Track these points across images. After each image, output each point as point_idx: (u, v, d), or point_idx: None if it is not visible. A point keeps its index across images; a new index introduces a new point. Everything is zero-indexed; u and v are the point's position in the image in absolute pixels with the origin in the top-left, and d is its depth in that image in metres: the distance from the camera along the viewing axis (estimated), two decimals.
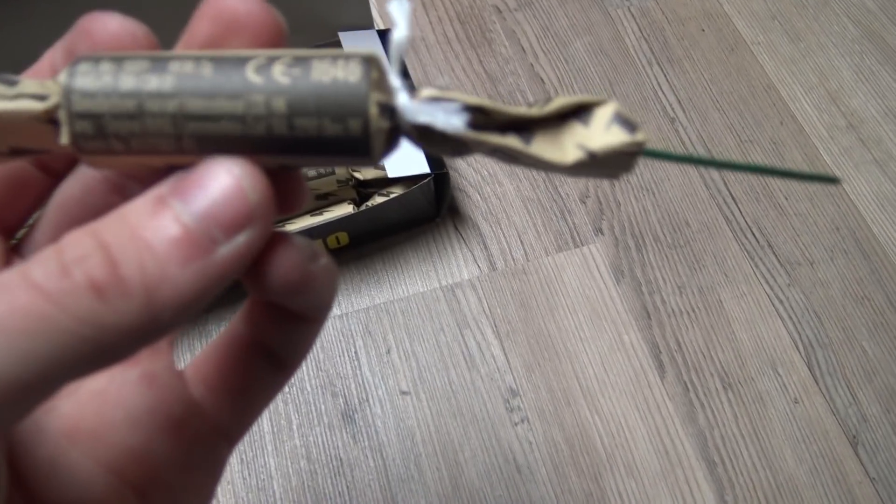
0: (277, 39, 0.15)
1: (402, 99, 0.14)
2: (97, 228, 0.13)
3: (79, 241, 0.13)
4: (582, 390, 0.50)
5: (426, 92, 0.14)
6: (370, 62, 0.14)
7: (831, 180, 0.15)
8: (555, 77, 0.64)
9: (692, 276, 0.54)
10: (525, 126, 0.14)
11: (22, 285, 0.12)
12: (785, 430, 0.49)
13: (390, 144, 0.14)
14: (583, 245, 0.56)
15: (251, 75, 0.13)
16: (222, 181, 0.13)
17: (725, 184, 0.58)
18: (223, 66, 0.14)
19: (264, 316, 0.17)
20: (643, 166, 0.59)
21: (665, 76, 0.64)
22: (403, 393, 0.50)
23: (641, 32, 0.66)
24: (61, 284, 0.12)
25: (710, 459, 0.48)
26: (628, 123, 0.14)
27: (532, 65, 0.65)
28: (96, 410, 0.16)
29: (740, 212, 0.57)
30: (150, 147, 0.14)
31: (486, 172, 0.59)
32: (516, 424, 0.49)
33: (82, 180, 0.16)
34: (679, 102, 0.62)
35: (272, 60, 0.14)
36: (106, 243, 0.12)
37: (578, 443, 0.48)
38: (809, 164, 0.59)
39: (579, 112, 0.14)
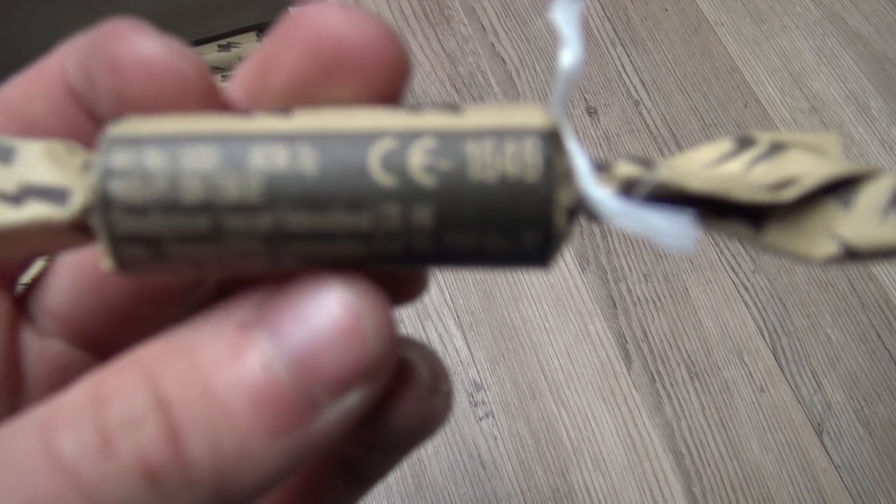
0: (400, 76, 0.10)
1: (598, 194, 0.10)
2: (155, 372, 0.09)
3: (129, 392, 0.09)
4: (548, 383, 0.49)
5: (623, 169, 0.10)
6: (551, 141, 0.09)
7: None
8: (516, 57, 0.62)
9: (658, 263, 0.53)
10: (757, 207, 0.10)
11: (44, 464, 0.08)
12: (751, 419, 0.48)
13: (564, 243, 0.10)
14: None
15: (378, 174, 0.09)
16: (332, 315, 0.09)
17: None
18: (333, 156, 0.09)
19: (356, 443, 0.14)
20: (608, 149, 0.58)
21: (629, 57, 0.62)
22: None
23: (605, 11, 0.65)
24: (102, 468, 0.08)
25: (677, 451, 0.47)
26: None
27: (493, 44, 0.62)
28: None
29: None
30: (231, 269, 0.10)
31: None
32: (481, 419, 0.47)
33: None
34: (643, 84, 0.61)
35: (408, 142, 0.09)
36: (166, 400, 0.09)
37: (544, 437, 0.47)
38: None
39: (837, 187, 0.10)
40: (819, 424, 0.48)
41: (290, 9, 0.54)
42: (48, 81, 0.11)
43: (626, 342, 0.50)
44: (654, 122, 0.59)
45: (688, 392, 0.49)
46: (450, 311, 0.50)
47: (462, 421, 0.47)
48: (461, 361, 0.49)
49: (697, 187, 0.09)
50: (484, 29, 0.63)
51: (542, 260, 0.10)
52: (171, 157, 0.09)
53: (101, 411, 0.09)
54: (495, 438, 0.47)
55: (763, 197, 0.09)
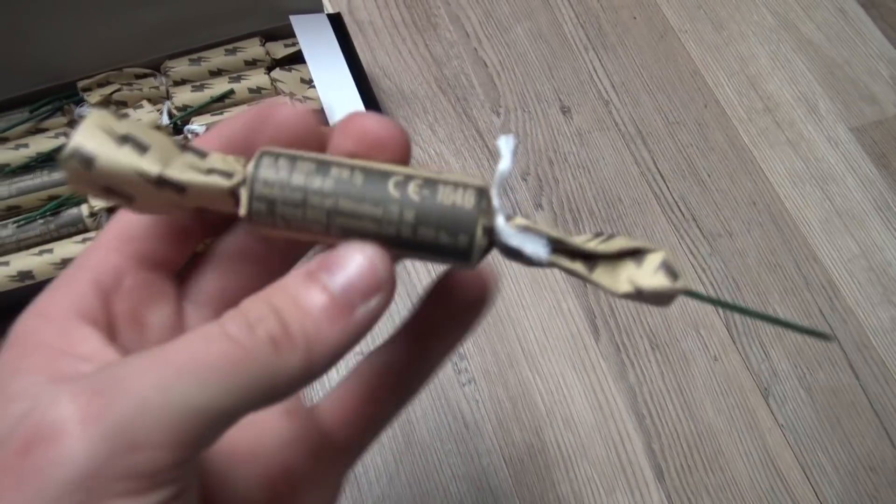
0: (406, 152, 0.19)
1: (501, 224, 0.18)
2: (268, 297, 0.17)
3: (257, 307, 0.16)
4: (524, 353, 0.54)
5: (519, 221, 0.18)
6: (482, 194, 0.18)
7: (824, 336, 0.20)
8: (497, 61, 0.67)
9: None
10: (591, 256, 0.18)
11: (222, 337, 0.16)
12: (705, 384, 0.54)
13: (485, 254, 0.18)
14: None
15: (391, 190, 0.17)
16: (359, 260, 0.17)
17: (654, 162, 0.63)
18: (371, 178, 0.18)
19: (411, 343, 0.22)
20: (580, 146, 0.63)
21: (600, 61, 0.68)
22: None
23: (578, 19, 0.70)
24: (250, 338, 0.16)
25: (639, 412, 0.52)
26: (672, 272, 0.17)
27: (476, 49, 0.68)
28: (253, 436, 0.19)
29: (668, 188, 0.62)
30: (305, 228, 0.18)
31: (432, 151, 0.62)
32: (464, 385, 0.53)
33: (241, 238, 0.20)
34: (613, 86, 0.67)
35: (408, 179, 0.18)
36: (277, 308, 0.16)
37: (521, 400, 0.52)
38: (730, 144, 0.64)
39: (635, 253, 0.18)
40: (766, 389, 0.54)
41: (291, 16, 0.59)
42: (220, 146, 0.20)
43: (595, 317, 0.56)
44: (622, 120, 0.65)
45: (649, 361, 0.54)
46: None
47: (447, 386, 0.52)
48: None
49: (553, 234, 0.18)
50: (468, 35, 0.69)
51: (468, 257, 0.18)
52: (291, 163, 0.18)
53: (246, 315, 0.16)
54: (477, 402, 0.52)
55: (589, 247, 0.18)
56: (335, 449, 0.21)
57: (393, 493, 0.49)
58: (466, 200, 0.17)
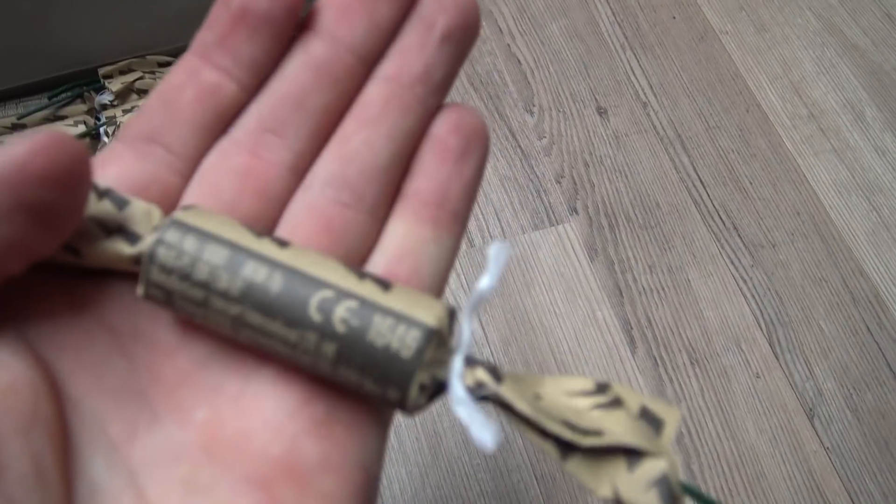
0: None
1: (453, 384, 0.13)
2: None
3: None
4: (557, 364, 0.51)
5: (480, 376, 0.14)
6: (431, 338, 0.13)
7: None
8: (531, 58, 0.65)
9: (662, 255, 0.56)
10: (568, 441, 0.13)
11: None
12: (747, 402, 0.51)
13: (431, 400, 0.14)
14: (558, 224, 0.57)
15: (312, 311, 0.13)
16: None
17: (694, 168, 0.60)
18: (291, 288, 0.14)
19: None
20: (617, 149, 0.61)
21: (638, 61, 0.65)
22: None
23: (615, 17, 0.68)
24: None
25: (677, 430, 0.50)
26: (669, 495, 0.13)
27: (509, 45, 0.65)
28: (234, 416, 0.14)
29: (708, 195, 0.59)
30: (210, 327, 0.14)
31: None
32: None
33: None
34: (651, 88, 0.64)
35: (340, 298, 0.14)
36: None
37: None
38: (773, 150, 0.62)
39: (632, 450, 0.13)
40: (810, 409, 0.51)
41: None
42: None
43: (632, 328, 0.53)
44: (661, 123, 0.62)
45: (688, 377, 0.52)
46: (466, 296, 0.53)
47: None
48: (476, 342, 0.52)
49: (522, 410, 0.13)
50: (501, 31, 0.66)
51: (403, 409, 0.14)
52: (199, 247, 0.14)
53: None
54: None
55: (568, 436, 0.13)
56: (354, 417, 0.15)
57: None
58: (406, 344, 0.13)
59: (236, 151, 0.16)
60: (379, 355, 0.13)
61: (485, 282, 0.14)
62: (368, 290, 0.14)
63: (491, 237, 0.56)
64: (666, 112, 0.63)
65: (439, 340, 0.14)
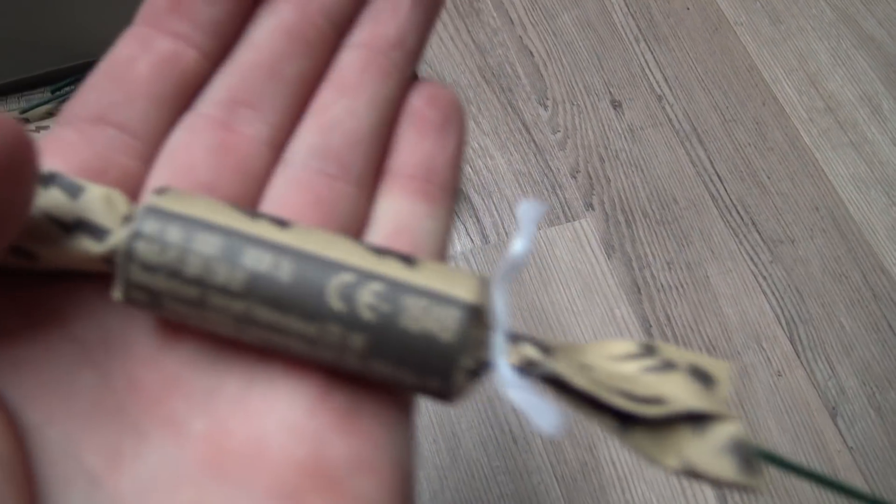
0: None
1: (501, 369, 0.12)
2: None
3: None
4: None
5: (529, 353, 0.12)
6: (472, 315, 0.12)
7: None
8: (543, 50, 0.64)
9: (680, 251, 0.55)
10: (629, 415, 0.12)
11: None
12: (769, 401, 0.50)
13: (471, 389, 0.13)
14: (574, 220, 0.56)
15: (333, 299, 0.12)
16: None
17: (711, 162, 0.59)
18: (304, 275, 0.12)
19: None
20: (632, 143, 0.60)
21: (652, 53, 0.64)
22: None
23: (628, 8, 0.67)
24: None
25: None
26: (746, 458, 0.12)
27: (521, 37, 0.64)
28: (241, 422, 0.12)
29: (725, 190, 0.58)
30: (207, 328, 0.12)
31: (475, 145, 0.59)
32: None
33: None
34: (666, 80, 0.63)
35: (364, 281, 0.12)
36: None
37: (573, 415, 0.49)
38: (790, 144, 0.61)
39: (696, 417, 0.12)
40: (833, 408, 0.50)
41: None
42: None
43: (651, 326, 0.52)
44: (676, 116, 0.61)
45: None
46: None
47: (493, 397, 0.49)
48: None
49: (580, 385, 0.12)
50: (512, 22, 0.65)
51: (445, 399, 0.12)
52: (186, 237, 0.12)
53: None
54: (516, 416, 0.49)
55: (631, 408, 0.12)
56: (384, 402, 0.13)
57: None
58: (444, 326, 0.11)
59: (208, 126, 0.14)
60: (416, 342, 0.12)
61: (518, 245, 0.12)
62: (393, 269, 0.12)
63: (507, 233, 0.55)
64: (681, 105, 0.62)
65: (479, 318, 0.12)
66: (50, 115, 0.53)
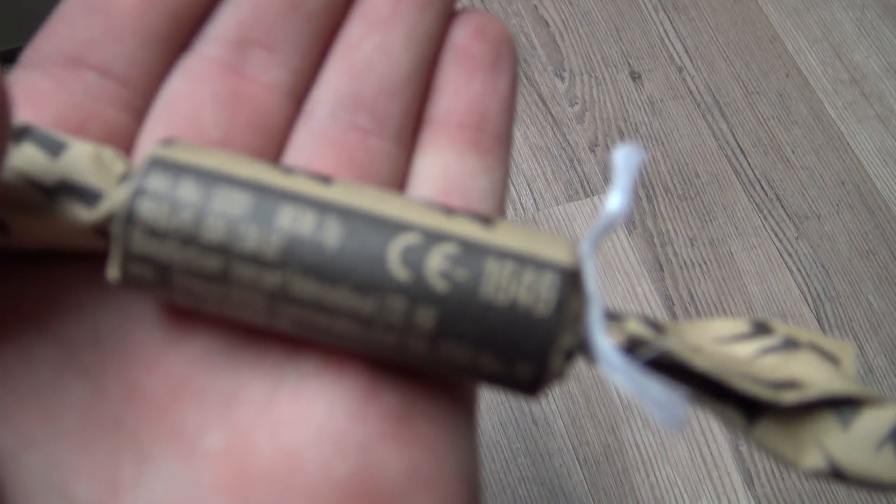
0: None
1: (602, 347, 0.10)
2: None
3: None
4: None
5: (634, 327, 0.10)
6: (571, 281, 0.09)
7: None
8: (560, 20, 0.61)
9: (703, 227, 0.54)
10: (755, 402, 0.10)
11: None
12: None
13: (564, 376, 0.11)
14: (593, 195, 0.54)
15: (395, 266, 0.09)
16: None
17: (734, 135, 0.58)
18: (357, 236, 0.09)
19: None
20: (652, 115, 0.58)
21: (671, 23, 0.62)
22: None
23: None
24: None
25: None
26: None
27: (536, 6, 0.62)
28: (269, 433, 0.10)
29: (749, 164, 0.57)
30: (228, 313, 0.10)
31: None
32: None
33: None
34: (686, 51, 0.61)
35: (432, 242, 0.09)
36: None
37: (595, 395, 0.47)
38: (815, 117, 0.59)
39: (839, 402, 0.10)
40: None
41: None
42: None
43: (674, 304, 0.51)
44: (697, 88, 0.59)
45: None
46: None
47: None
48: None
49: (701, 366, 0.09)
50: None
51: (531, 392, 0.10)
52: (204, 193, 0.09)
53: None
54: (546, 396, 0.47)
55: (763, 394, 0.09)
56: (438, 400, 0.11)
57: None
58: (540, 297, 0.09)
59: (215, 72, 0.11)
60: (502, 317, 0.09)
61: (614, 200, 0.10)
62: (467, 228, 0.10)
63: (524, 209, 0.53)
64: (702, 76, 0.60)
65: (577, 286, 0.10)
66: None
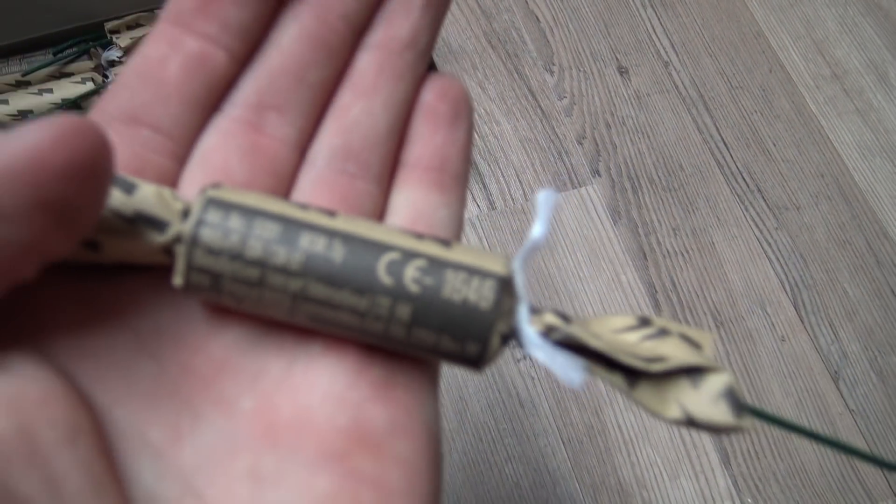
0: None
1: (526, 332, 0.13)
2: None
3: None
4: None
5: (549, 320, 0.13)
6: (504, 286, 0.13)
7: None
8: (550, 16, 0.63)
9: (686, 218, 0.55)
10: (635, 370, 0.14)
11: None
12: (773, 366, 0.51)
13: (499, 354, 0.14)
14: (580, 186, 0.56)
15: (382, 275, 0.13)
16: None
17: (717, 129, 0.59)
18: (355, 254, 0.13)
19: None
20: (639, 109, 0.60)
21: (658, 19, 0.64)
22: None
23: None
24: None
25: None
26: (737, 403, 0.13)
27: (527, 2, 0.64)
28: (287, 397, 0.13)
29: (731, 157, 0.58)
30: (260, 310, 0.13)
31: (482, 111, 0.58)
32: (518, 361, 0.49)
33: None
34: (672, 46, 0.63)
35: (408, 259, 0.13)
36: None
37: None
38: (796, 112, 0.61)
39: (691, 370, 0.13)
40: (836, 372, 0.51)
41: None
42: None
43: (656, 292, 0.53)
44: (682, 83, 0.61)
45: (714, 341, 0.51)
46: None
47: (500, 361, 0.49)
48: None
49: (597, 346, 0.13)
50: None
51: (477, 365, 0.14)
52: (247, 223, 0.13)
53: None
54: (532, 379, 0.49)
55: (640, 365, 0.13)
56: (422, 373, 0.15)
57: (445, 475, 0.46)
58: (482, 296, 0.13)
59: (240, 129, 0.15)
60: (457, 311, 0.13)
61: (537, 230, 0.14)
62: (432, 248, 0.13)
63: (513, 199, 0.55)
64: (688, 71, 0.62)
65: (509, 289, 0.13)
66: (52, 77, 0.52)
